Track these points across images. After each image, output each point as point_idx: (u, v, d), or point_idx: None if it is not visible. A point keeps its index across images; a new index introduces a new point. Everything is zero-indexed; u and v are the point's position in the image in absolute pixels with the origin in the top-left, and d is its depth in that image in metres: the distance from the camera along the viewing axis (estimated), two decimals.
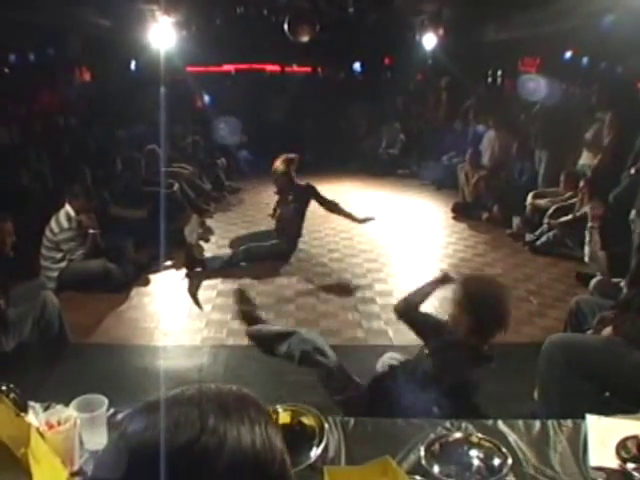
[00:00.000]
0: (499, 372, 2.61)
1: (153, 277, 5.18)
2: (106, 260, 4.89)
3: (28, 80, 8.22)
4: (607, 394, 2.71)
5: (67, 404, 1.67)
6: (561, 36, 7.32)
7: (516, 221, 6.47)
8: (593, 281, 4.21)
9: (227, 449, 0.62)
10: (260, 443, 0.64)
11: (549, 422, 1.81)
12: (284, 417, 1.78)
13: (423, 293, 2.76)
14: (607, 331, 2.83)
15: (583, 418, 1.79)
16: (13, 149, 6.40)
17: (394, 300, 4.70)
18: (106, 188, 6.27)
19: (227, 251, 5.67)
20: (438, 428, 1.77)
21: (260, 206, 7.80)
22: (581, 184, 5.56)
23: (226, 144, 9.18)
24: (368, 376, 2.82)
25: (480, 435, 1.71)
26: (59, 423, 1.58)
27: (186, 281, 5.15)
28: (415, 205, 8.06)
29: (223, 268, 5.32)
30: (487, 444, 1.66)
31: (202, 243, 6.08)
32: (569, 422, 1.81)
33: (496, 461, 1.60)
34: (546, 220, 5.89)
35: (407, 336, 4.06)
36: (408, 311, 2.66)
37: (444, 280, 2.80)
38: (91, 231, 4.84)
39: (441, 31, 8.55)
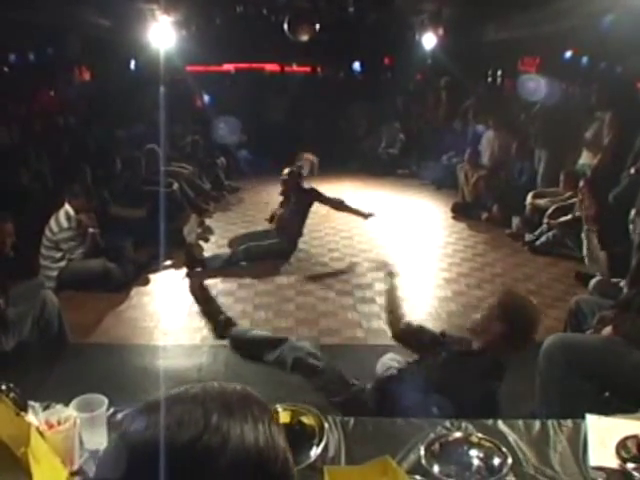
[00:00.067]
0: None
1: (153, 276, 5.18)
2: (106, 259, 4.89)
3: (28, 80, 8.22)
4: (607, 394, 2.71)
5: (67, 404, 1.67)
6: (561, 36, 7.31)
7: (516, 221, 6.47)
8: (593, 281, 4.21)
9: (230, 447, 0.62)
10: (263, 441, 0.64)
11: (549, 422, 1.81)
12: (284, 417, 1.77)
13: (391, 300, 2.84)
14: (607, 331, 2.83)
15: (583, 418, 1.79)
16: (13, 149, 6.39)
17: None
18: (106, 187, 6.27)
19: (227, 250, 5.67)
20: (438, 428, 1.77)
21: (260, 206, 7.80)
22: (581, 184, 5.55)
23: (226, 144, 9.17)
24: (368, 376, 2.82)
25: (480, 435, 1.71)
26: (59, 423, 1.58)
27: (186, 280, 5.15)
28: (415, 205, 8.06)
29: (223, 267, 5.33)
30: (487, 444, 1.66)
31: (202, 243, 6.09)
32: (569, 422, 1.81)
33: (496, 461, 1.60)
34: (546, 220, 5.89)
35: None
36: (399, 326, 2.69)
37: (390, 276, 2.95)
38: (91, 230, 4.85)
39: (441, 31, 8.56)
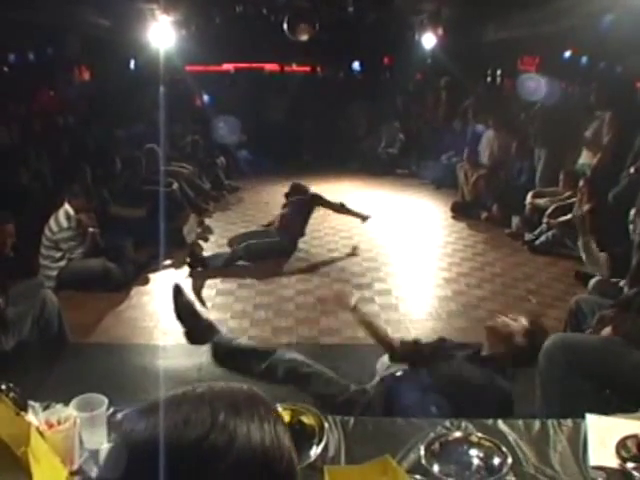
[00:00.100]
0: None
1: (152, 276, 5.18)
2: (105, 259, 4.89)
3: (28, 79, 8.21)
4: (607, 393, 2.71)
5: (67, 403, 1.67)
6: (560, 35, 7.31)
7: (515, 220, 6.47)
8: (592, 281, 4.21)
9: (237, 446, 0.63)
10: (269, 441, 0.65)
11: (549, 422, 1.81)
12: (284, 416, 1.77)
13: (371, 329, 2.82)
14: (607, 331, 2.83)
15: (583, 418, 1.79)
16: (13, 148, 6.39)
17: (393, 299, 4.77)
18: (105, 187, 6.26)
19: (227, 250, 5.67)
20: (438, 427, 1.77)
21: (259, 205, 7.80)
22: (581, 183, 5.55)
23: (225, 143, 9.17)
24: (368, 376, 2.81)
25: (480, 434, 1.71)
26: (59, 422, 1.58)
27: (186, 280, 5.14)
28: (414, 204, 8.06)
29: (224, 266, 5.33)
30: (487, 443, 1.66)
31: (201, 242, 6.09)
32: (569, 422, 1.81)
33: (496, 460, 1.60)
34: (545, 219, 5.89)
35: (406, 335, 4.08)
36: (395, 348, 2.66)
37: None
38: (90, 230, 4.84)
39: (440, 31, 8.54)
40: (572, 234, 5.37)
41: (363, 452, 1.63)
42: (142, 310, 4.59)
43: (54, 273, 4.70)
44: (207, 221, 7.02)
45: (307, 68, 12.59)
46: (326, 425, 1.73)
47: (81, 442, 1.61)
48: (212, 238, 6.40)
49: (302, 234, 5.92)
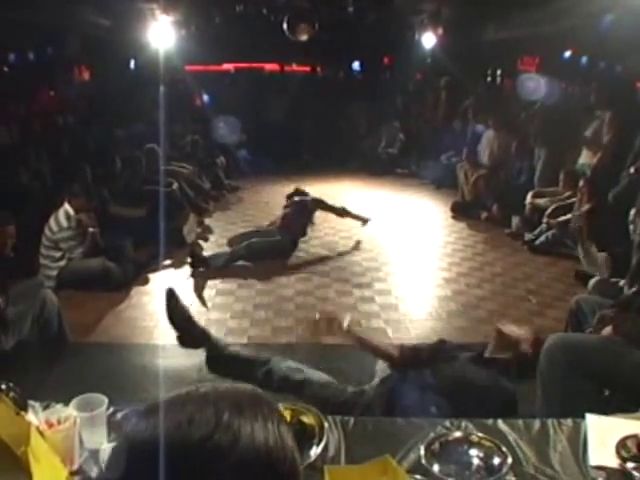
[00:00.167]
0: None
1: (152, 276, 5.18)
2: (105, 259, 4.89)
3: (27, 79, 8.21)
4: (607, 393, 2.71)
5: (67, 403, 1.67)
6: (560, 35, 7.31)
7: (515, 220, 6.47)
8: (592, 281, 4.21)
9: (241, 446, 0.63)
10: (273, 441, 0.65)
11: (549, 421, 1.81)
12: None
13: (365, 344, 2.82)
14: (607, 330, 2.83)
15: (583, 417, 1.79)
16: (13, 148, 6.39)
17: (393, 299, 4.77)
18: (105, 187, 6.26)
19: (227, 249, 5.67)
20: (438, 427, 1.77)
21: (259, 205, 7.81)
22: (581, 183, 5.56)
23: (225, 143, 9.18)
24: (367, 376, 2.81)
25: (480, 434, 1.70)
26: (59, 422, 1.58)
27: (186, 280, 5.14)
28: (414, 204, 8.06)
29: (226, 265, 5.34)
30: (487, 443, 1.66)
31: (201, 242, 6.09)
32: (569, 421, 1.81)
33: (496, 460, 1.60)
34: (545, 219, 5.90)
35: (406, 335, 4.08)
36: (395, 356, 2.64)
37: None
38: (90, 230, 4.84)
39: (440, 30, 8.54)
40: (572, 234, 5.37)
41: (363, 452, 1.63)
42: (142, 310, 4.58)
43: (54, 273, 4.70)
44: (207, 221, 7.02)
45: (307, 68, 12.59)
46: (326, 425, 1.73)
47: (81, 442, 1.61)
48: (212, 238, 6.41)
49: (304, 234, 5.95)
